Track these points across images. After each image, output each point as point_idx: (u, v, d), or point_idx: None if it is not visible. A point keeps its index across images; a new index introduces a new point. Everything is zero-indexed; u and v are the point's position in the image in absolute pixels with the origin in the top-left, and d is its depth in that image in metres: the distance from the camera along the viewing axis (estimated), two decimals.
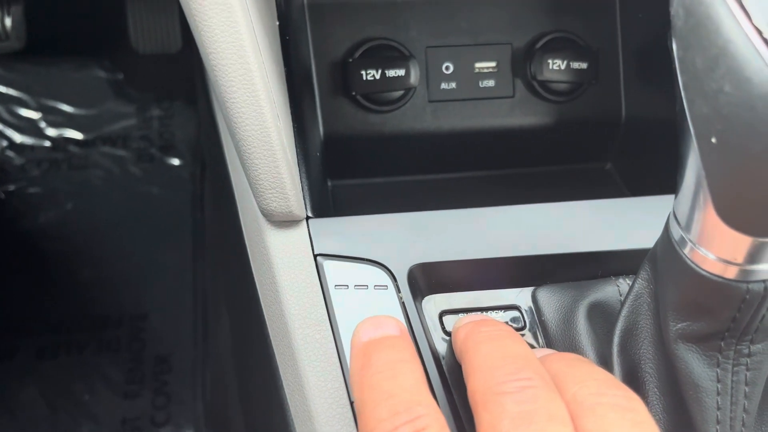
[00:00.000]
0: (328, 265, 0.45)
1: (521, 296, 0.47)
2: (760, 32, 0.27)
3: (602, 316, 0.45)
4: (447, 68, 0.63)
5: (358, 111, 0.63)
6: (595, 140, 0.66)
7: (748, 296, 0.34)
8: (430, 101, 0.64)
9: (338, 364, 0.42)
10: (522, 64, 0.64)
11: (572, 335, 0.45)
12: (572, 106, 0.64)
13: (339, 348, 0.43)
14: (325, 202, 0.52)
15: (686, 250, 0.35)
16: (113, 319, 1.22)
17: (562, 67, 0.62)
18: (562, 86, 0.62)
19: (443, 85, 0.64)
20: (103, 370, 1.17)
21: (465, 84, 0.64)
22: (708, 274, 0.34)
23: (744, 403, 0.38)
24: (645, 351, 0.40)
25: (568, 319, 0.46)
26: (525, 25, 0.64)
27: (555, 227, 0.49)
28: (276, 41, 0.51)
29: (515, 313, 0.47)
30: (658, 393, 0.40)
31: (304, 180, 0.48)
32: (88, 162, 1.38)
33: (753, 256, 0.33)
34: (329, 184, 0.65)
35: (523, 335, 0.46)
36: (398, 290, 0.44)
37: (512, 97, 0.64)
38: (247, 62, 0.42)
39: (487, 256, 0.46)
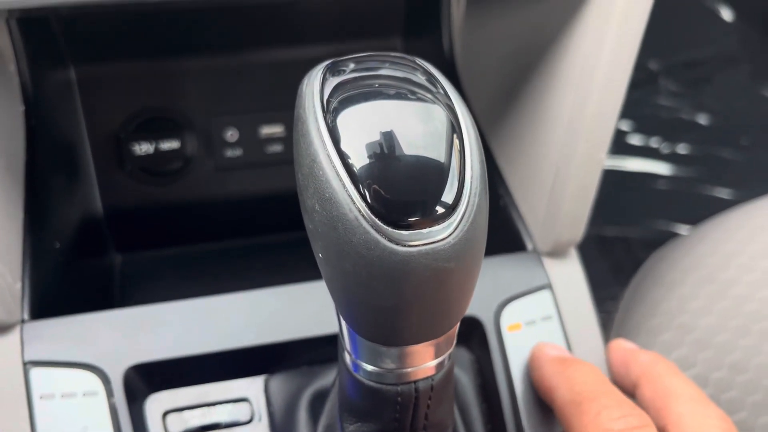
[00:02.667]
0: (35, 374, 0.43)
1: (254, 385, 0.46)
2: (346, 156, 0.27)
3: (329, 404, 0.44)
4: (231, 135, 0.62)
5: (140, 184, 0.61)
6: None
7: (399, 398, 0.33)
8: (217, 170, 0.63)
9: None
10: None
11: (294, 426, 0.44)
12: None
13: None
14: (63, 295, 0.50)
15: (346, 356, 0.34)
16: None
17: None
18: None
19: (229, 153, 0.62)
20: None
21: (252, 151, 0.63)
22: (364, 380, 0.34)
23: None
24: None
25: (292, 409, 0.44)
26: None
27: (294, 310, 0.47)
28: (12, 129, 0.50)
29: (245, 406, 0.46)
30: None
31: (26, 279, 0.46)
32: None
33: (397, 361, 0.32)
34: (118, 259, 0.64)
35: (250, 429, 0.45)
36: (110, 395, 0.43)
37: None
38: None
39: (214, 348, 0.45)
